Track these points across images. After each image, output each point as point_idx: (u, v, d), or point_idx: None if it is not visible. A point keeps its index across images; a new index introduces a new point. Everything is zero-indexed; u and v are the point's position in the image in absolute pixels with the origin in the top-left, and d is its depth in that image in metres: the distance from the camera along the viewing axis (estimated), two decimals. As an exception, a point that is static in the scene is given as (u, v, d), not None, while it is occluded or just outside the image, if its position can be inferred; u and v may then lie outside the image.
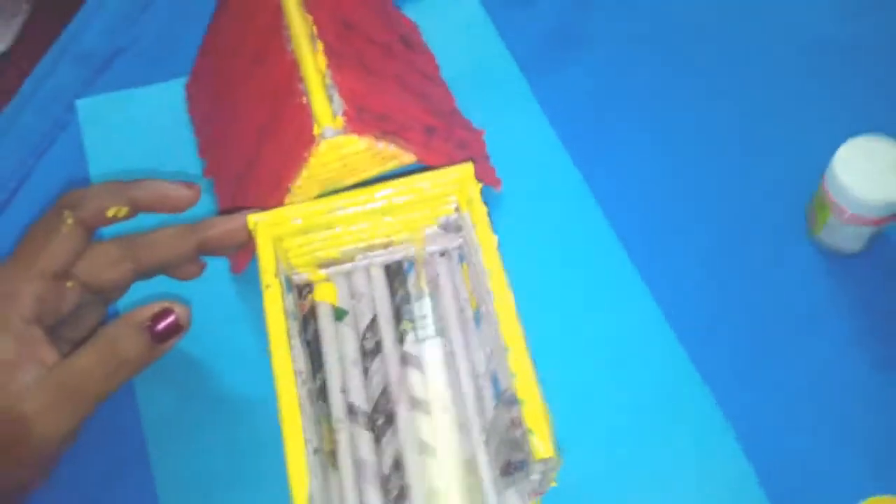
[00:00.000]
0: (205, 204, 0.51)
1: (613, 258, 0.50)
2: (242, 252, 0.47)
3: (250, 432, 0.45)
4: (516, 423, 0.39)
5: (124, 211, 0.42)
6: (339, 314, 0.46)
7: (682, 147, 0.54)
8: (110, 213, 0.42)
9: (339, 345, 0.46)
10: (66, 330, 0.44)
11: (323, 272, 0.47)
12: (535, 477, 0.38)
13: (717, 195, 0.52)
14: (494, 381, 0.44)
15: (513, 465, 0.40)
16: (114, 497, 0.44)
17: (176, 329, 0.40)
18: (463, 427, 0.43)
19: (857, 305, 0.48)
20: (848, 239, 0.48)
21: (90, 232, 0.42)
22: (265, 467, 0.43)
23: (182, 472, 0.44)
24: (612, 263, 0.50)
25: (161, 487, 0.44)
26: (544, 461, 0.37)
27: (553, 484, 0.40)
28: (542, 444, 0.36)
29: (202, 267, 0.47)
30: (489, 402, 0.44)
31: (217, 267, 0.49)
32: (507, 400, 0.40)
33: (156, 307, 0.40)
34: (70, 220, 0.41)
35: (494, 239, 0.42)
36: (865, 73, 0.55)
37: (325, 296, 0.47)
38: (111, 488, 0.45)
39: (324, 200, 0.44)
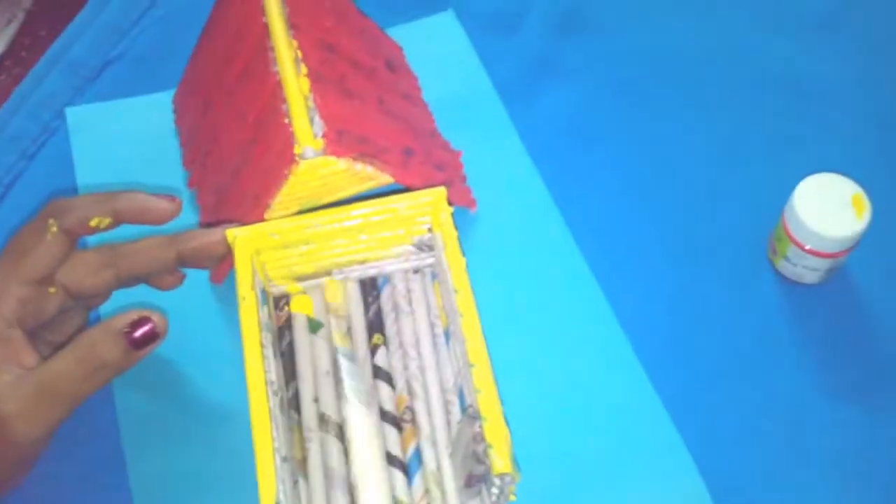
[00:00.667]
0: (187, 214, 0.53)
1: (580, 281, 0.51)
2: (222, 263, 0.49)
3: (225, 438, 0.46)
4: (479, 437, 0.40)
5: (107, 221, 0.43)
6: (314, 326, 0.48)
7: (650, 177, 0.56)
8: (93, 223, 0.43)
9: (313, 356, 0.47)
10: (47, 334, 0.45)
11: (300, 285, 0.48)
12: (495, 490, 0.40)
13: (684, 224, 0.54)
14: (461, 395, 0.46)
15: (475, 477, 0.41)
16: (89, 498, 0.45)
17: (153, 337, 0.42)
18: (429, 440, 0.45)
19: (812, 334, 0.50)
20: (806, 271, 0.50)
21: (74, 240, 0.43)
22: (238, 472, 0.44)
23: (157, 475, 0.46)
24: (578, 286, 0.51)
25: (136, 489, 0.45)
26: (502, 476, 0.38)
27: (512, 498, 0.41)
28: (500, 460, 0.38)
29: (182, 278, 0.48)
30: (456, 417, 0.45)
31: (197, 277, 0.50)
32: (471, 415, 0.42)
33: (134, 315, 0.41)
34: (54, 229, 0.42)
35: (463, 260, 0.44)
36: (826, 113, 0.58)
37: (301, 308, 0.48)
38: (87, 489, 0.46)
39: (302, 217, 0.46)
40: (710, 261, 0.52)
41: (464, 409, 0.45)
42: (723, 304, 0.51)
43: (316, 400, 0.46)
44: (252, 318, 0.42)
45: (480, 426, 0.40)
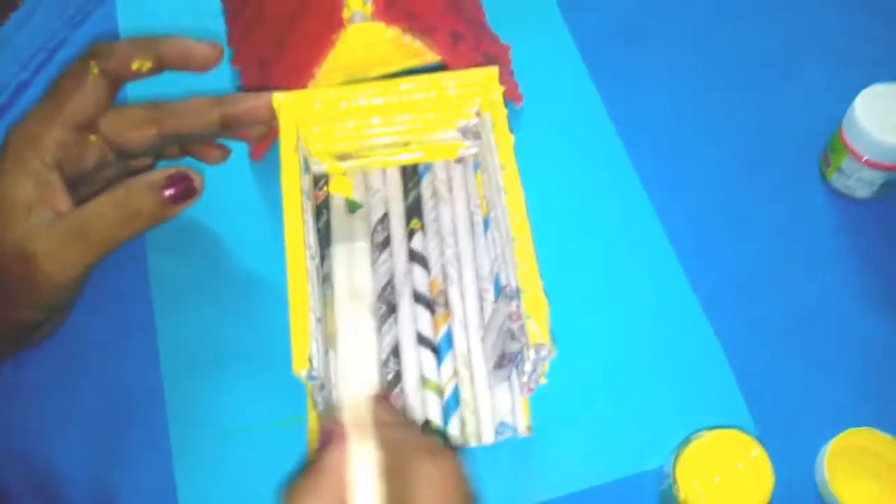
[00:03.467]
0: (230, 90, 0.52)
1: (624, 181, 0.50)
2: (265, 136, 0.48)
3: (255, 307, 0.46)
4: (514, 316, 0.40)
5: (148, 65, 0.42)
6: (353, 206, 0.47)
7: (703, 82, 0.54)
8: (135, 65, 0.42)
9: (350, 234, 0.47)
10: (85, 189, 0.44)
11: (341, 165, 0.48)
12: (528, 367, 0.39)
13: (735, 132, 0.52)
14: (496, 284, 0.45)
15: (507, 356, 0.41)
16: (116, 359, 0.45)
17: (189, 193, 0.41)
18: (462, 323, 0.44)
19: (859, 249, 0.49)
20: (860, 184, 0.49)
21: (115, 84, 0.42)
22: (267, 340, 0.44)
23: (185, 340, 0.46)
24: (622, 186, 0.50)
25: (164, 352, 0.45)
26: (539, 347, 0.37)
27: (543, 381, 0.41)
28: (538, 330, 0.37)
29: (227, 153, 0.47)
30: (489, 303, 0.45)
31: (237, 154, 0.49)
32: (507, 294, 0.41)
33: (172, 170, 0.41)
34: (96, 71, 0.41)
35: (511, 138, 0.43)
36: (889, 30, 0.56)
37: (340, 189, 0.48)
38: (115, 349, 0.46)
39: (347, 88, 0.45)
40: (761, 169, 0.51)
41: (498, 297, 0.44)
42: (769, 213, 0.50)
43: (349, 276, 0.45)
44: (294, 181, 0.41)
45: (518, 305, 0.39)
